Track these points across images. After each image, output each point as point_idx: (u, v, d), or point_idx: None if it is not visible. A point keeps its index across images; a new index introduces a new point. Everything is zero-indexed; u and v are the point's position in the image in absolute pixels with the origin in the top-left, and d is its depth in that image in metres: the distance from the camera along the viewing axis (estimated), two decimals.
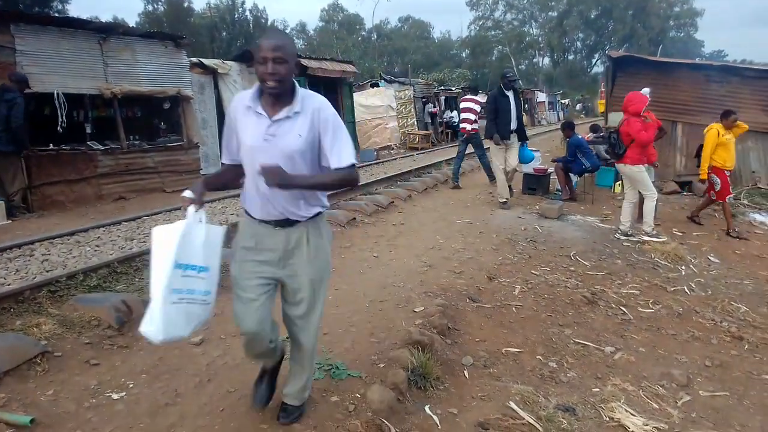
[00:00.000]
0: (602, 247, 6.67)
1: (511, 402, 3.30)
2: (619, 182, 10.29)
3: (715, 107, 10.62)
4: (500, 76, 8.79)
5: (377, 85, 22.91)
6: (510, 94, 8.39)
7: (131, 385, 3.30)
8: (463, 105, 10.71)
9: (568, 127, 9.89)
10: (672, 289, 5.56)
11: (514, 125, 8.41)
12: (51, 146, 9.19)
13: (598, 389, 3.63)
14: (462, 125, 10.59)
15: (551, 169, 9.97)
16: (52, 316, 4.03)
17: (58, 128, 9.03)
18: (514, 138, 8.56)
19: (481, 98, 11.10)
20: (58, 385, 3.24)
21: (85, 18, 10.18)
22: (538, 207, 8.39)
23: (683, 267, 6.24)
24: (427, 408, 3.19)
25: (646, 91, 8.22)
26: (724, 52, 65.33)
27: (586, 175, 9.86)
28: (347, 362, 3.55)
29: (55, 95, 9.01)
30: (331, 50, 45.67)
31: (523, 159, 9.00)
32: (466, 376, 3.64)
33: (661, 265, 6.27)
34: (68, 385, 3.25)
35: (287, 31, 55.05)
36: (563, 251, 6.41)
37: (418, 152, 19.09)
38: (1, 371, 3.21)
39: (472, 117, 10.33)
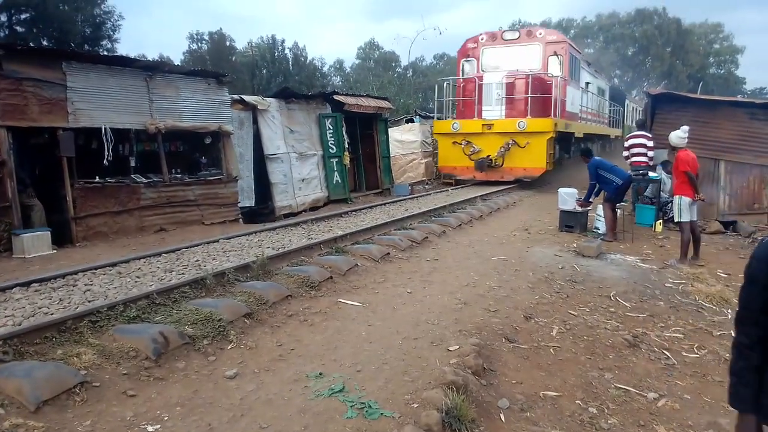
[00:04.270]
0: (643, 288, 6.47)
1: None
2: (660, 221, 10.07)
3: (759, 145, 10.40)
4: None
5: (412, 121, 23.16)
6: None
7: (166, 418, 3.32)
8: (633, 141, 10.89)
9: (585, 154, 9.80)
10: (718, 333, 5.34)
11: None
12: (97, 179, 9.53)
13: None
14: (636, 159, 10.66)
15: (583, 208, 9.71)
16: (92, 346, 4.10)
17: (104, 162, 9.37)
18: None
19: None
20: (96, 416, 3.28)
21: (132, 56, 10.64)
22: (575, 245, 8.23)
23: (729, 310, 6.00)
24: None
25: (685, 128, 8.11)
26: (766, 89, 64.04)
27: (626, 214, 9.67)
28: (380, 401, 3.50)
29: (103, 130, 9.38)
30: (368, 87, 46.43)
31: None
32: (503, 419, 3.54)
33: (706, 307, 6.05)
34: (105, 416, 3.29)
35: (325, 69, 56.29)
36: (602, 291, 6.25)
37: (452, 187, 19.07)
38: (41, 400, 3.27)
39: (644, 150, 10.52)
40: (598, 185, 9.21)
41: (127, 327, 4.47)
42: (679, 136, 8.03)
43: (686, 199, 7.79)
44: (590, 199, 9.47)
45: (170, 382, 3.80)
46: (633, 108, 32.83)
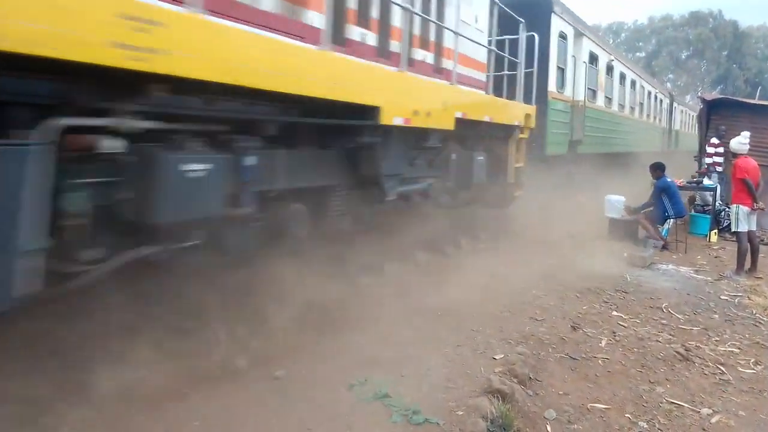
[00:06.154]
0: (697, 300, 6.27)
1: None
2: (715, 231, 9.72)
3: None
4: None
5: None
6: None
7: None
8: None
9: (657, 168, 9.38)
10: None
11: None
12: None
13: None
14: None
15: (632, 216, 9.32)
16: None
17: None
18: None
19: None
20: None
21: None
22: (625, 254, 8.02)
23: None
24: None
25: (746, 134, 7.84)
26: None
27: (679, 222, 9.36)
28: (425, 407, 3.49)
29: None
30: None
31: None
32: (549, 431, 3.49)
33: (763, 321, 5.81)
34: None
35: None
36: (654, 302, 6.08)
37: None
38: None
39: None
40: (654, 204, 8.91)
41: None
42: (740, 142, 7.76)
43: (744, 208, 7.50)
44: (641, 212, 9.11)
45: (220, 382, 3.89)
46: (589, 53, 13.45)
